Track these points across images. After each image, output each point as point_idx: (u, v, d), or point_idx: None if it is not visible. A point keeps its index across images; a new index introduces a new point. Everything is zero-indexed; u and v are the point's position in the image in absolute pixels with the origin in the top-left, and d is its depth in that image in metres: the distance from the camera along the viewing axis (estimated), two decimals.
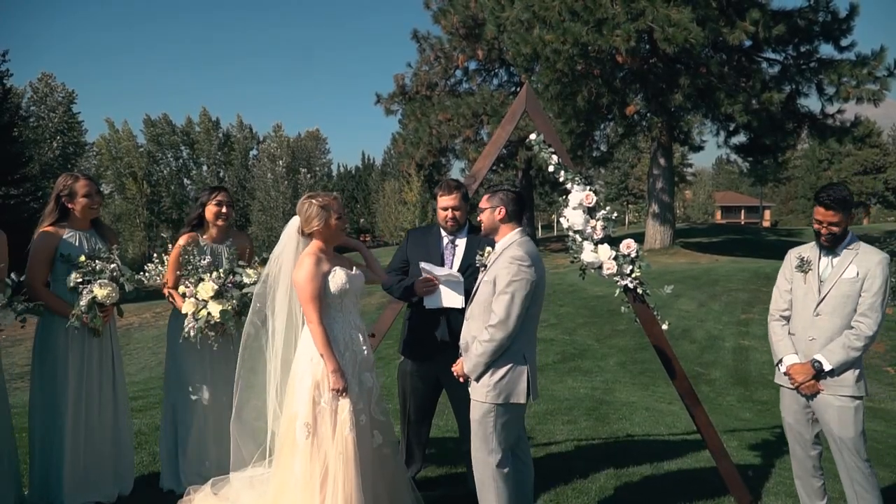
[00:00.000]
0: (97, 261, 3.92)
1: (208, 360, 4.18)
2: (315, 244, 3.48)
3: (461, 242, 4.10)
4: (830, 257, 3.60)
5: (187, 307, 4.03)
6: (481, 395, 3.30)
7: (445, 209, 4.05)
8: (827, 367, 3.48)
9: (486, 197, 3.49)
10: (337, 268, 3.45)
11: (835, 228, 3.52)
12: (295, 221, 3.53)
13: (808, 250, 3.71)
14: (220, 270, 4.12)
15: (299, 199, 3.55)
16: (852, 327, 3.49)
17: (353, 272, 3.53)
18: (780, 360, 3.72)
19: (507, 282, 3.19)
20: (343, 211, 3.53)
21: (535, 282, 3.24)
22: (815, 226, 3.59)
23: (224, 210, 4.29)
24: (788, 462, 5.31)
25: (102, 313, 3.90)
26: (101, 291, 3.81)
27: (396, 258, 4.29)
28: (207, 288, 4.01)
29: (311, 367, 3.36)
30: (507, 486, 3.32)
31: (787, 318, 3.76)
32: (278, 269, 3.55)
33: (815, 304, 3.57)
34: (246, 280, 4.12)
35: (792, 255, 3.78)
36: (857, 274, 3.49)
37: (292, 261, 3.49)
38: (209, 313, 3.98)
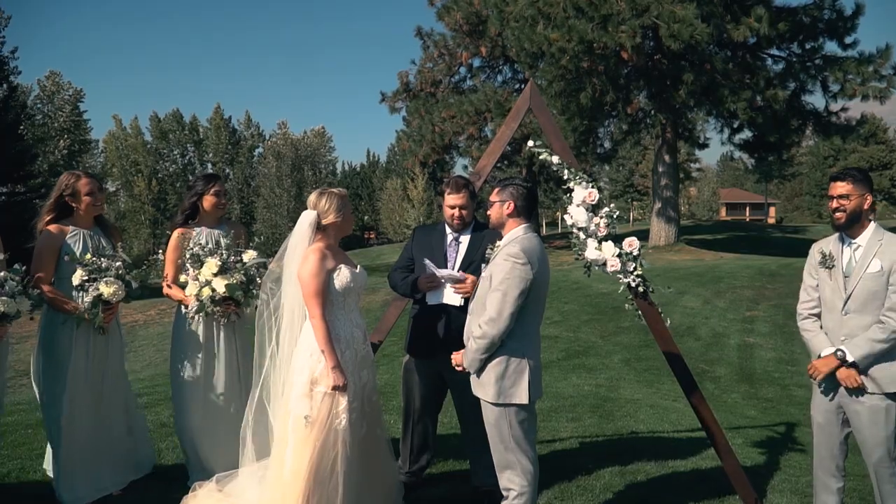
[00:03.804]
0: (102, 258, 3.93)
1: (213, 354, 4.16)
2: (322, 240, 3.48)
3: (465, 240, 4.10)
4: (853, 249, 3.45)
5: (190, 288, 3.99)
6: (483, 393, 3.30)
7: (453, 207, 4.05)
8: (850, 358, 3.33)
9: (496, 190, 3.44)
10: (342, 265, 3.46)
11: (844, 202, 3.39)
12: (308, 216, 3.49)
13: (831, 244, 3.55)
14: (223, 250, 4.09)
15: (312, 194, 3.55)
16: (881, 321, 3.33)
17: (357, 270, 3.54)
18: (819, 356, 3.50)
19: (501, 279, 3.18)
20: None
21: (533, 280, 3.19)
22: (829, 205, 3.48)
23: (224, 201, 4.31)
24: (793, 459, 5.32)
25: (107, 311, 3.91)
26: (107, 289, 3.82)
27: (403, 256, 4.31)
28: (211, 264, 3.97)
29: (310, 363, 3.37)
30: (531, 487, 3.30)
31: (817, 315, 3.57)
32: (286, 266, 3.55)
33: (842, 302, 3.42)
34: (246, 259, 4.11)
35: (815, 251, 3.61)
36: (882, 268, 3.33)
37: (301, 256, 3.48)
38: (213, 289, 3.94)
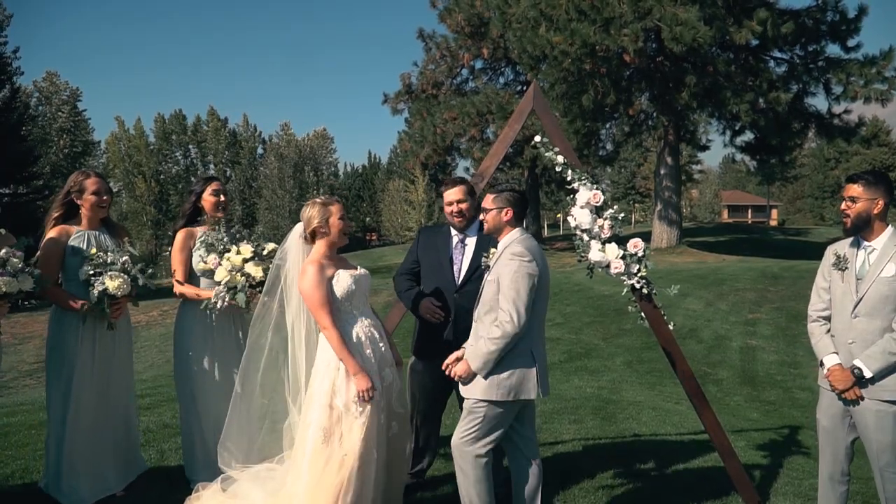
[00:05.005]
0: (108, 252, 3.92)
1: (218, 350, 4.15)
2: (317, 251, 3.47)
3: (471, 242, 4.09)
4: (867, 252, 3.42)
5: (220, 274, 3.94)
6: (489, 393, 3.29)
7: (450, 203, 4.04)
8: (867, 374, 3.29)
9: (490, 197, 3.49)
10: (340, 271, 3.44)
11: (853, 205, 3.37)
12: (298, 228, 3.55)
13: (846, 246, 3.51)
14: (251, 239, 4.08)
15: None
16: (893, 329, 3.28)
17: (358, 272, 3.53)
18: (822, 362, 3.50)
19: (511, 278, 3.25)
20: (345, 213, 3.54)
21: (538, 276, 3.29)
22: (842, 207, 3.47)
23: (222, 199, 4.28)
24: (796, 462, 5.31)
25: (115, 306, 3.89)
26: (112, 283, 3.80)
27: (408, 259, 4.29)
28: (246, 251, 3.95)
29: (330, 372, 3.36)
30: (486, 475, 3.35)
31: (827, 318, 3.55)
32: (285, 280, 3.55)
33: (852, 304, 3.38)
34: (269, 249, 4.10)
35: (829, 252, 3.58)
36: None
37: (298, 269, 3.50)
38: (247, 274, 3.92)
